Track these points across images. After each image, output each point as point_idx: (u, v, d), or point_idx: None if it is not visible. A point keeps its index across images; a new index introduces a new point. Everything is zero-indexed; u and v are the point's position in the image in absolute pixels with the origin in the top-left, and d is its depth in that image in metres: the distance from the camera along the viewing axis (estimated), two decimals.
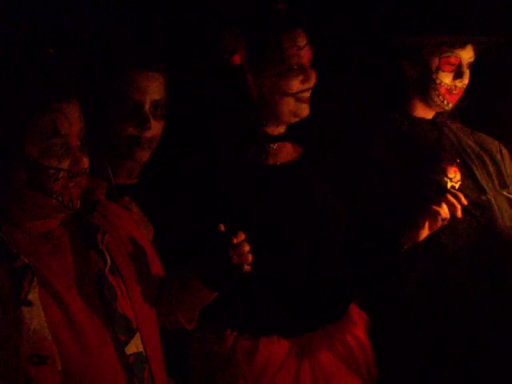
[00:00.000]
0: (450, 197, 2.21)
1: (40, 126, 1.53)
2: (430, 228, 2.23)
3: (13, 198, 1.57)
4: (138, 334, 1.64)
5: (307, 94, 2.09)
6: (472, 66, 2.41)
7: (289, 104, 2.09)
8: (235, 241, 1.66)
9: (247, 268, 1.70)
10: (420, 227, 2.21)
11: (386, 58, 2.46)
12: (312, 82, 2.08)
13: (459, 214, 2.21)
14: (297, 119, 2.13)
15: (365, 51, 2.54)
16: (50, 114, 1.54)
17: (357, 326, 2.19)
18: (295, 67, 2.06)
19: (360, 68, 2.51)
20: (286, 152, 2.17)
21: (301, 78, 2.07)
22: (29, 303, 1.50)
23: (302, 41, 2.06)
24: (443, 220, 2.21)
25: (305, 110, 2.10)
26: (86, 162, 1.60)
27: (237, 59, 2.08)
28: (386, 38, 2.43)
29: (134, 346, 1.63)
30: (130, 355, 1.61)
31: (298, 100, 2.09)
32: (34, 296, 1.51)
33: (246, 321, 2.08)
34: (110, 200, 1.90)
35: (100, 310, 1.61)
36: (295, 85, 2.07)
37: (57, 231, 1.64)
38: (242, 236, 1.68)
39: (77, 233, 1.67)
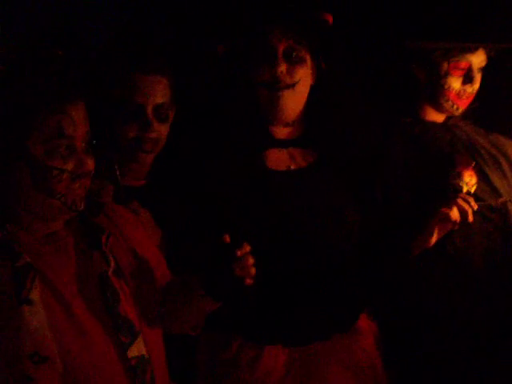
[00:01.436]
0: (460, 201, 2.18)
1: (45, 127, 1.54)
2: (439, 233, 2.20)
3: (17, 199, 1.57)
4: (140, 337, 1.64)
5: (280, 84, 2.08)
6: (484, 70, 2.38)
7: (263, 94, 2.10)
8: (239, 253, 1.63)
9: (249, 282, 1.66)
10: (430, 232, 2.18)
11: (396, 61, 2.45)
12: (279, 70, 2.07)
13: (471, 218, 2.18)
14: (283, 113, 2.11)
15: (376, 55, 2.54)
16: (55, 116, 1.54)
17: (364, 337, 2.16)
18: (264, 55, 2.08)
19: (372, 72, 2.51)
20: (300, 158, 2.16)
21: (269, 65, 2.07)
22: (30, 302, 1.51)
23: (278, 33, 2.08)
24: (454, 225, 2.18)
25: (279, 102, 2.09)
26: (90, 163, 1.60)
27: (220, 48, 2.14)
28: (395, 42, 2.42)
29: (136, 349, 1.62)
30: (133, 358, 1.61)
31: (271, 89, 2.09)
32: (35, 295, 1.52)
33: (251, 329, 2.08)
34: (117, 203, 1.89)
35: (102, 311, 1.61)
36: (265, 73, 2.08)
37: (61, 232, 1.64)
38: (247, 248, 1.64)
39: (81, 234, 1.67)
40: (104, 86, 2.03)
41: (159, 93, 2.06)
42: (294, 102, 2.12)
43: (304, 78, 2.12)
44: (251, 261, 1.65)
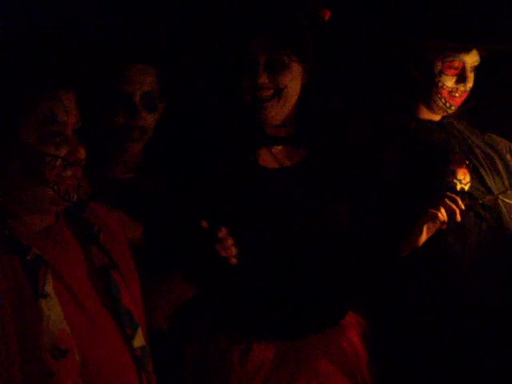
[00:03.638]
0: (447, 200, 2.19)
1: (37, 113, 1.50)
2: (428, 232, 2.21)
3: (9, 190, 1.53)
4: (139, 328, 1.64)
5: (263, 94, 2.07)
6: (477, 69, 2.40)
7: (247, 101, 2.09)
8: (220, 235, 1.72)
9: (234, 261, 1.76)
10: (418, 232, 2.19)
11: (392, 60, 2.47)
12: (260, 81, 2.05)
13: (458, 218, 2.19)
14: (269, 120, 2.10)
15: (372, 53, 2.55)
16: (47, 101, 1.51)
17: (351, 331, 2.17)
18: (245, 65, 2.07)
19: (367, 70, 2.51)
20: (292, 155, 2.15)
21: (251, 76, 2.06)
22: (46, 295, 1.48)
23: (260, 44, 2.05)
24: (442, 224, 2.20)
25: (262, 111, 2.09)
26: (82, 152, 1.56)
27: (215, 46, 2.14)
28: (391, 41, 2.44)
29: (139, 340, 1.62)
30: (138, 348, 1.61)
31: (254, 99, 2.08)
32: (49, 288, 1.48)
33: (240, 324, 2.08)
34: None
35: (107, 304, 1.60)
36: (248, 81, 2.07)
37: (56, 227, 1.60)
38: (225, 230, 1.73)
39: (73, 230, 1.65)
40: (93, 75, 2.05)
41: (147, 81, 2.07)
42: (280, 108, 2.11)
43: (290, 82, 2.09)
44: (231, 241, 1.75)
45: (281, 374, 2.07)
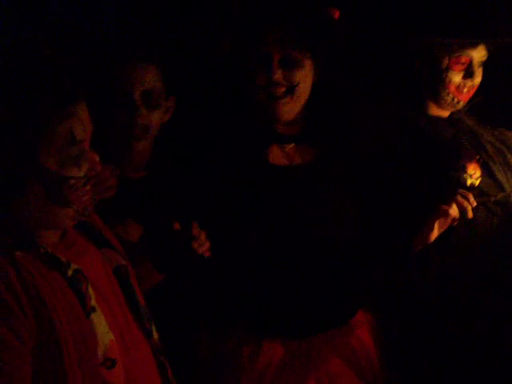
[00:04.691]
0: (459, 197, 2.19)
1: (56, 136, 1.40)
2: (439, 229, 2.20)
3: (30, 216, 1.43)
4: (152, 321, 1.64)
5: (276, 91, 2.09)
6: (485, 64, 2.39)
7: (261, 98, 2.11)
8: (196, 232, 1.76)
9: (208, 254, 1.80)
10: (430, 228, 2.19)
11: (400, 57, 2.46)
12: (274, 77, 2.07)
13: (470, 214, 2.19)
14: (282, 117, 2.12)
15: (380, 51, 2.53)
16: (66, 121, 1.40)
17: (361, 328, 2.17)
18: (260, 61, 2.08)
19: (376, 67, 2.50)
20: (302, 153, 2.16)
21: (265, 72, 2.08)
22: (94, 309, 1.46)
23: (275, 41, 2.07)
24: (453, 220, 2.20)
25: (276, 109, 2.10)
26: (99, 161, 1.49)
27: (225, 45, 2.15)
28: (397, 37, 2.43)
29: (156, 334, 1.63)
30: (157, 340, 1.62)
31: (268, 96, 2.10)
32: (94, 301, 1.47)
33: (251, 321, 2.09)
34: None
35: (127, 303, 1.60)
36: (262, 78, 2.09)
37: (69, 235, 1.56)
38: (197, 225, 1.77)
39: (81, 233, 1.61)
40: (94, 74, 2.04)
41: (147, 79, 2.08)
42: (293, 106, 2.13)
43: (303, 79, 2.12)
44: (204, 235, 1.79)
45: (291, 373, 2.08)
